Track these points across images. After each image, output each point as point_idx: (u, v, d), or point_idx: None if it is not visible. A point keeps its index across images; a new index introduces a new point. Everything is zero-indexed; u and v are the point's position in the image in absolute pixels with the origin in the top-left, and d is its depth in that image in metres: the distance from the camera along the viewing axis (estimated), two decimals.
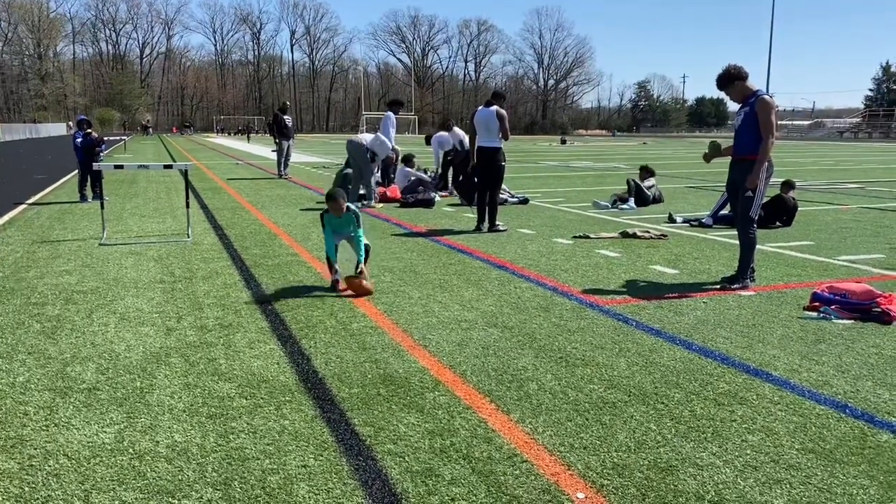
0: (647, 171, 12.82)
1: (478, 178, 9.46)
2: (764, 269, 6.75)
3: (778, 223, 9.79)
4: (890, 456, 3.07)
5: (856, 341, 4.63)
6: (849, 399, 3.69)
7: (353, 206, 5.99)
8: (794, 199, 10.06)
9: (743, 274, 6.08)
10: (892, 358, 4.31)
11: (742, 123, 5.97)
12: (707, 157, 6.56)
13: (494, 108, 9.08)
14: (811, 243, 8.40)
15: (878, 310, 5.09)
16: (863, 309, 5.14)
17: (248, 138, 58.24)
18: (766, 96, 5.85)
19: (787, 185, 10.16)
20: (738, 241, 6.18)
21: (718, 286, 6.09)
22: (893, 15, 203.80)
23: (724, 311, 5.35)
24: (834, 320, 5.09)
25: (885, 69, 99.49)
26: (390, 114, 12.94)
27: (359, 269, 5.87)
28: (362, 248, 5.96)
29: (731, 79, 5.98)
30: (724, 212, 9.76)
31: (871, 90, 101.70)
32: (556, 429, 3.32)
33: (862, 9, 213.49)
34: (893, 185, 16.91)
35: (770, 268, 6.89)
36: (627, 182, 12.53)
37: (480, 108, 9.33)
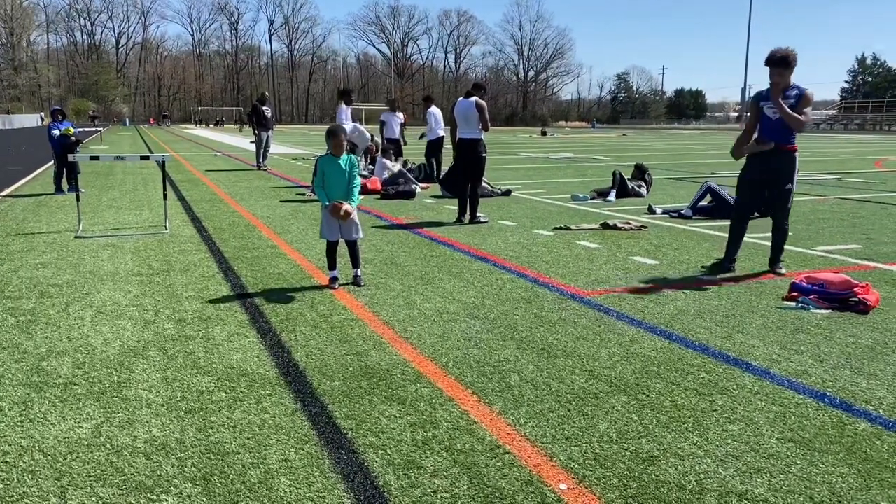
0: (639, 171, 12.92)
1: (458, 170, 9.43)
2: (743, 259, 6.79)
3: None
4: (868, 444, 3.11)
5: (834, 331, 4.68)
6: (827, 388, 3.72)
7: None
8: None
9: (778, 258, 6.40)
10: (868, 347, 4.36)
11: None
12: (738, 153, 6.39)
13: (474, 99, 9.07)
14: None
15: (856, 299, 5.15)
16: (840, 299, 5.20)
17: (241, 129, 58.17)
18: (810, 91, 5.97)
19: None
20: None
21: (704, 272, 6.16)
22: (870, 7, 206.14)
23: (704, 302, 5.38)
24: (812, 310, 5.14)
25: (861, 61, 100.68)
26: (343, 105, 12.98)
27: (354, 274, 5.89)
28: (356, 193, 5.73)
29: (790, 64, 5.95)
30: (703, 203, 9.83)
31: (847, 82, 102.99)
32: (537, 420, 3.32)
33: (839, 1, 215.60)
34: (870, 176, 17.11)
35: (749, 258, 6.94)
36: (613, 174, 12.59)
37: (460, 99, 9.31)
